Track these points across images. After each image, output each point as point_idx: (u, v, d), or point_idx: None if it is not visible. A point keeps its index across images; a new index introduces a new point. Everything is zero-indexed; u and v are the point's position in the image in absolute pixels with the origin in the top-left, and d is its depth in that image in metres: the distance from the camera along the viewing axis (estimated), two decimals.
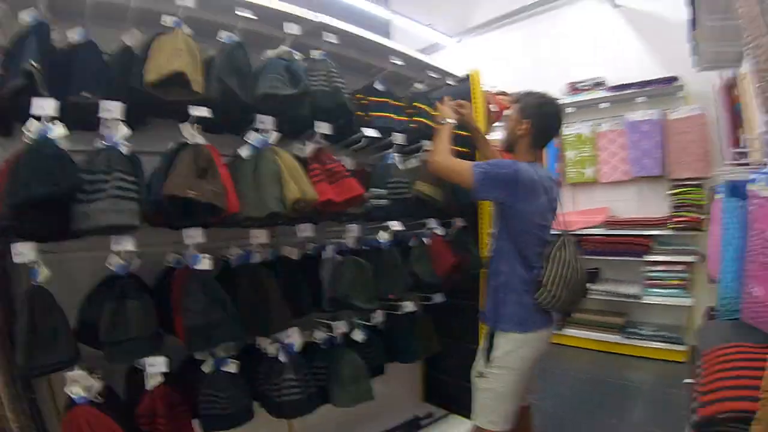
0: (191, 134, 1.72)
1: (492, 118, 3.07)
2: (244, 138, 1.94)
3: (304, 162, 2.04)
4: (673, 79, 4.33)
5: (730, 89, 2.72)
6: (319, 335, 2.23)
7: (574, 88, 5.01)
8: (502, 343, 2.06)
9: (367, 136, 2.30)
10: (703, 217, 4.09)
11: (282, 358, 2.01)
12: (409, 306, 2.49)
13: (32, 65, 1.39)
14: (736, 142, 2.68)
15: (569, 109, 4.94)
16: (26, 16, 1.54)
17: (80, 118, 1.58)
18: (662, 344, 4.34)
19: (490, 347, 2.11)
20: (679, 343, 4.26)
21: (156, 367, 1.65)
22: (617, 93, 4.68)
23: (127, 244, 1.59)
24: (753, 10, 1.35)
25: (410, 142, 2.53)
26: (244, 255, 2.00)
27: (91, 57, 1.63)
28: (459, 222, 2.78)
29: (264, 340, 2.05)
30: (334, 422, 2.54)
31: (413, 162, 2.57)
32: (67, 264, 1.73)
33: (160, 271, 1.92)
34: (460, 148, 2.43)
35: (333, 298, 2.16)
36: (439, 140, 2.24)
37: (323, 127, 2.13)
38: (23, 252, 1.43)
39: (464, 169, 2.05)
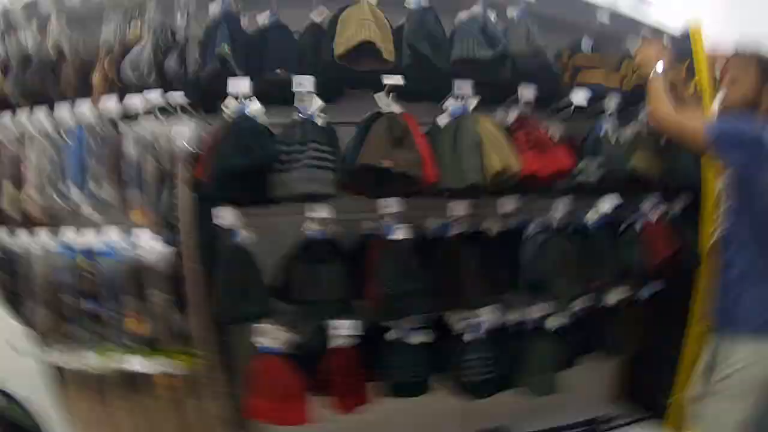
0: (386, 103, 1.73)
1: None
2: (442, 106, 1.88)
3: (506, 130, 1.92)
4: None
5: None
6: (511, 318, 2.09)
7: None
8: (735, 355, 1.61)
9: (574, 103, 2.05)
10: None
11: (469, 336, 1.94)
12: (614, 296, 2.19)
13: (224, 50, 1.57)
14: None
15: None
16: (215, 8, 1.73)
17: (277, 94, 1.70)
18: None
19: (714, 362, 1.70)
20: None
21: (342, 329, 1.75)
22: None
23: (321, 211, 1.70)
24: None
25: (623, 109, 2.19)
26: (441, 227, 1.97)
27: (281, 37, 1.76)
28: (679, 203, 2.35)
29: (453, 315, 2.00)
30: (508, 407, 2.36)
31: (628, 132, 2.21)
32: (272, 226, 1.88)
33: (356, 239, 1.98)
34: None
35: (532, 280, 2.00)
36: (656, 91, 1.83)
37: (526, 92, 1.95)
38: (224, 216, 1.65)
39: (695, 125, 1.65)
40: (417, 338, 1.88)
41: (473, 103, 1.87)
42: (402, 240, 1.76)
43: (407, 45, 1.72)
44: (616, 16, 2.24)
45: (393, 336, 1.88)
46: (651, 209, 2.22)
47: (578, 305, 2.17)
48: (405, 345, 1.86)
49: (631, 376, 2.83)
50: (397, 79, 1.70)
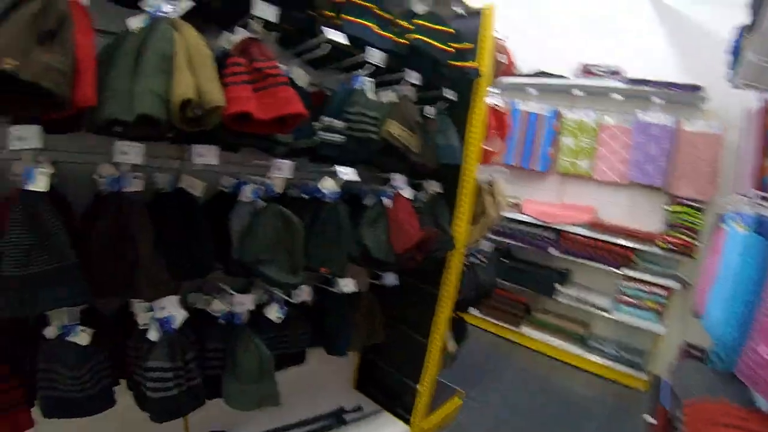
0: None
1: (499, 70, 2.40)
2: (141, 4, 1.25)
3: (223, 54, 1.33)
4: (697, 88, 3.80)
5: None
6: (218, 306, 1.60)
7: (588, 70, 4.42)
8: None
9: (331, 41, 1.60)
10: (696, 243, 3.80)
11: (153, 336, 1.36)
12: (349, 285, 1.88)
13: None
14: (762, 172, 2.41)
15: (576, 91, 4.43)
16: None
17: None
18: (622, 367, 4.11)
19: None
20: (639, 369, 4.04)
21: None
22: (633, 87, 4.09)
23: None
24: None
25: (390, 68, 1.82)
26: (113, 180, 1.31)
27: None
28: (433, 186, 2.13)
29: (138, 303, 1.41)
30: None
31: (389, 95, 1.86)
32: None
33: None
34: None
35: (239, 261, 1.48)
36: None
37: (266, 11, 1.39)
38: None
39: None
40: (84, 336, 1.30)
41: (183, 5, 1.26)
42: (40, 192, 1.11)
43: None
44: None
45: (52, 333, 1.28)
46: (401, 188, 1.95)
47: (303, 294, 1.82)
48: (68, 345, 1.28)
49: (369, 363, 2.75)
50: None
